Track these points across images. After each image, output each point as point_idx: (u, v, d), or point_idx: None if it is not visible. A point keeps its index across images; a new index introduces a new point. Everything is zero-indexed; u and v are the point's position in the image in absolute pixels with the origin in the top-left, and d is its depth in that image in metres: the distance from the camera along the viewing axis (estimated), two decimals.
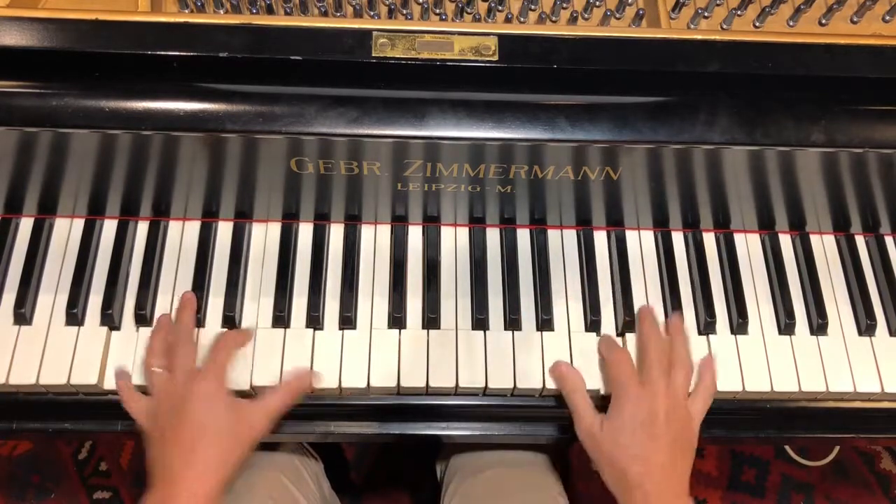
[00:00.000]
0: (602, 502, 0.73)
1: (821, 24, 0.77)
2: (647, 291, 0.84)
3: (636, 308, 0.82)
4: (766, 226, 0.87)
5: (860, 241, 0.88)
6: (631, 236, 0.86)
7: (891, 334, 0.83)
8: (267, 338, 0.79)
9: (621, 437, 0.70)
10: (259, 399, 0.73)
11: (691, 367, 0.76)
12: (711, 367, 0.77)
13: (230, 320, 0.79)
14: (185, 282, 0.81)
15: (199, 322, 0.79)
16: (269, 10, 0.72)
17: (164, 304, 0.80)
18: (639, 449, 0.69)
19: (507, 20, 0.75)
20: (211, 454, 0.67)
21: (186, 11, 0.73)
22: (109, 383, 0.76)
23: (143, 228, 0.84)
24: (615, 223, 0.86)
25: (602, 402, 0.75)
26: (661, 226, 0.86)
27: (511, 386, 0.77)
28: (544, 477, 0.93)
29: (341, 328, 0.80)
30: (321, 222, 0.85)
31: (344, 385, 0.77)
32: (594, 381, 0.78)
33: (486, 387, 0.78)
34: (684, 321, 0.81)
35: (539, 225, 0.85)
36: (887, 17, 0.77)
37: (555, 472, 0.96)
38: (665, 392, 0.72)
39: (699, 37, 0.73)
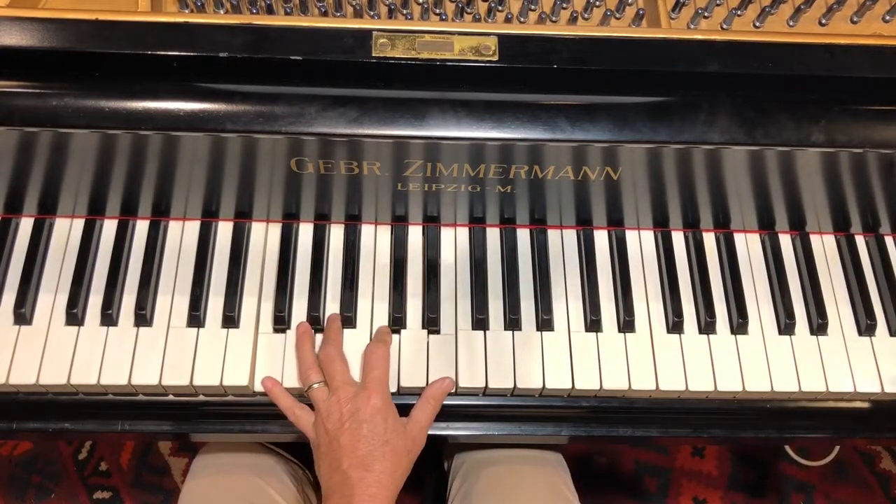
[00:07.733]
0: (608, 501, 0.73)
1: (821, 24, 0.77)
2: (646, 291, 0.84)
3: (636, 308, 0.82)
4: (766, 226, 0.87)
5: (860, 241, 0.88)
6: (631, 236, 0.86)
7: (891, 334, 0.83)
8: (269, 342, 0.79)
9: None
10: (413, 414, 0.74)
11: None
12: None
13: (230, 320, 0.79)
14: (185, 281, 0.81)
15: (199, 322, 0.79)
16: (269, 10, 0.72)
17: (164, 303, 0.80)
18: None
19: (507, 20, 0.75)
20: (383, 469, 0.69)
21: (186, 11, 0.73)
22: (108, 382, 0.76)
23: (142, 228, 0.84)
24: (615, 223, 0.86)
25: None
26: (661, 226, 0.86)
27: (511, 386, 0.77)
28: (553, 473, 0.92)
29: (342, 328, 0.79)
30: (321, 222, 0.85)
31: None
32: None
33: (486, 387, 0.78)
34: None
35: (539, 225, 0.85)
36: (887, 17, 0.77)
37: (565, 468, 0.95)
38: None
39: (699, 37, 0.73)
